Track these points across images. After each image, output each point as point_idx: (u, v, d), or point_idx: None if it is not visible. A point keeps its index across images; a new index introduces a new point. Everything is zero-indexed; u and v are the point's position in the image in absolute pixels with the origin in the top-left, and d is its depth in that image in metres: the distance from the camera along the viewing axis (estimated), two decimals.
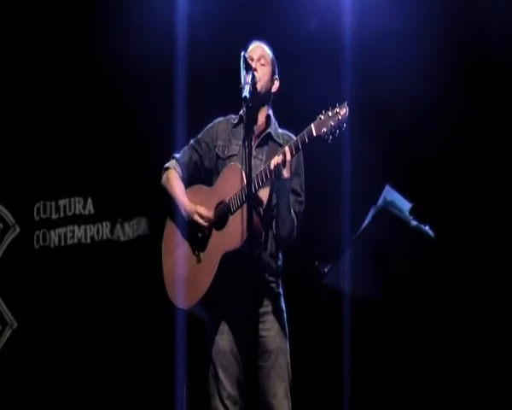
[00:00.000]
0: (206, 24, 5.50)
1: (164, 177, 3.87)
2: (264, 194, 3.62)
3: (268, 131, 3.76)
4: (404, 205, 3.69)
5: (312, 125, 3.44)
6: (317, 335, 5.02)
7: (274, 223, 3.66)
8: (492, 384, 4.82)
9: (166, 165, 3.89)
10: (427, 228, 3.70)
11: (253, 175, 3.51)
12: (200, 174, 3.86)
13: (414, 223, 3.67)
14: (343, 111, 3.41)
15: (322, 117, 3.43)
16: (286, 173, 3.48)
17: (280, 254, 3.77)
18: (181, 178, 3.84)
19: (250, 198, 3.43)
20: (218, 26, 5.46)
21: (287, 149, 3.48)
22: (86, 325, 6.13)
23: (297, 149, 3.48)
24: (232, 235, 3.55)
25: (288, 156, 3.46)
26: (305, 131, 3.46)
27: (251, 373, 3.58)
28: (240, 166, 3.62)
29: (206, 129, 3.89)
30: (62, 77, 6.29)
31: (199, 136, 3.89)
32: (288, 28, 5.26)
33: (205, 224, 3.68)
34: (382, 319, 4.05)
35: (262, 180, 3.53)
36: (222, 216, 3.65)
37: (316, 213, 3.86)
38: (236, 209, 3.57)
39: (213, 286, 3.59)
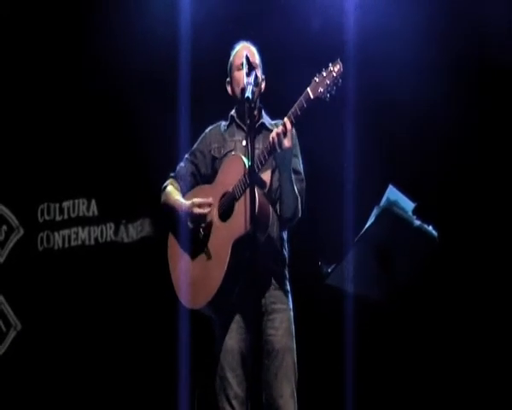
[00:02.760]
0: (209, 27, 5.51)
1: (162, 196, 3.90)
2: (266, 176, 3.64)
3: (261, 121, 3.82)
4: (408, 205, 3.68)
5: (308, 88, 3.46)
6: (320, 335, 5.01)
7: (278, 204, 3.65)
8: (495, 382, 4.82)
9: (164, 184, 3.92)
10: (430, 228, 3.69)
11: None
12: (199, 183, 3.88)
13: (417, 223, 3.66)
14: (337, 67, 3.43)
15: (317, 79, 3.45)
16: (287, 143, 3.47)
17: (286, 244, 3.76)
18: (179, 192, 3.87)
19: (257, 180, 3.45)
20: (221, 29, 5.47)
21: (286, 119, 3.49)
22: (90, 327, 6.14)
23: (296, 116, 3.48)
24: (240, 220, 3.52)
25: (289, 125, 3.47)
26: (302, 97, 3.47)
27: (258, 373, 3.57)
28: (239, 154, 3.66)
29: (199, 139, 3.95)
30: (65, 80, 6.31)
31: (193, 148, 3.95)
32: (291, 30, 5.28)
33: (205, 211, 3.68)
34: (386, 318, 4.04)
35: (264, 158, 3.54)
36: (227, 206, 3.65)
37: (319, 213, 3.86)
38: (241, 195, 3.57)
39: (226, 280, 3.54)
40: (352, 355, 4.79)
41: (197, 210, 3.69)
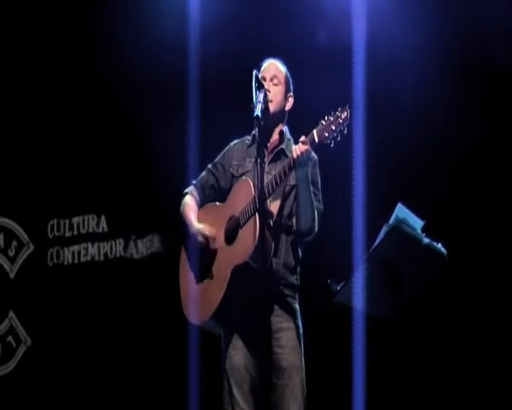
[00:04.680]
0: (219, 36, 5.51)
1: (182, 203, 3.93)
2: (274, 206, 3.64)
3: (281, 147, 3.78)
4: (416, 223, 3.69)
5: (314, 131, 3.46)
6: (329, 353, 5.01)
7: (294, 219, 3.65)
8: (502, 395, 4.81)
9: (185, 190, 3.95)
10: (439, 245, 3.69)
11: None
12: (218, 196, 3.90)
13: (426, 240, 3.67)
14: (344, 114, 3.42)
15: (324, 122, 3.45)
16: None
17: (298, 268, 3.75)
18: (197, 202, 3.90)
19: (261, 211, 3.45)
20: (231, 38, 5.47)
21: (286, 161, 3.52)
22: (100, 342, 6.15)
23: (294, 162, 3.48)
24: (241, 248, 3.57)
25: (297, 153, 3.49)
26: (307, 139, 3.48)
27: (265, 390, 3.57)
28: (249, 180, 3.66)
29: (222, 152, 3.95)
30: (76, 95, 6.33)
31: (216, 160, 3.95)
32: (300, 40, 5.27)
33: (204, 242, 3.73)
34: (395, 336, 4.03)
35: (276, 184, 3.54)
36: (232, 231, 3.68)
37: (328, 231, 3.85)
38: (245, 222, 3.59)
39: (224, 301, 3.60)
40: (362, 373, 4.79)
41: (200, 239, 3.75)
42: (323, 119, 3.46)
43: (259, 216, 3.47)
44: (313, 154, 3.56)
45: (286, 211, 3.69)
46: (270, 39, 5.23)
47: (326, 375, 4.94)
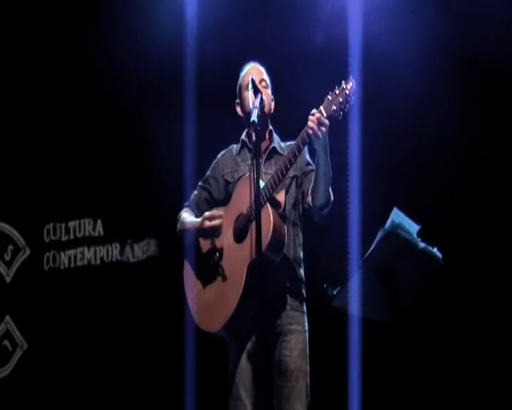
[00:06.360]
0: (216, 38, 5.51)
1: (178, 225, 3.89)
2: (280, 196, 3.64)
3: (272, 145, 3.80)
4: (412, 227, 3.70)
5: (321, 107, 3.44)
6: (326, 356, 5.01)
7: (309, 195, 3.62)
8: (499, 398, 4.83)
9: (179, 215, 3.91)
10: (435, 250, 3.71)
11: (268, 179, 3.56)
12: (212, 208, 3.87)
13: (422, 245, 3.68)
14: (350, 85, 3.41)
15: (330, 97, 3.44)
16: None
17: (302, 264, 3.74)
18: (193, 216, 3.86)
19: (271, 201, 3.48)
20: (228, 40, 5.47)
21: (300, 138, 3.50)
22: (96, 347, 6.15)
23: (309, 136, 3.47)
24: (255, 242, 3.47)
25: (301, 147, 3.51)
26: (317, 111, 3.45)
27: (270, 392, 3.57)
28: (251, 176, 3.61)
29: (211, 166, 3.94)
30: (73, 98, 6.34)
31: (205, 175, 3.95)
32: (297, 43, 5.28)
33: (216, 223, 3.67)
34: (391, 340, 4.05)
35: (275, 182, 3.54)
36: (242, 228, 3.63)
37: (324, 235, 3.87)
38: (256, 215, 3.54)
39: (242, 301, 3.53)
40: (358, 376, 4.80)
41: (208, 223, 3.70)
42: (328, 93, 3.43)
43: (271, 206, 3.47)
44: (326, 121, 3.43)
45: (289, 203, 3.70)
46: (267, 41, 5.23)
47: (322, 378, 4.94)
